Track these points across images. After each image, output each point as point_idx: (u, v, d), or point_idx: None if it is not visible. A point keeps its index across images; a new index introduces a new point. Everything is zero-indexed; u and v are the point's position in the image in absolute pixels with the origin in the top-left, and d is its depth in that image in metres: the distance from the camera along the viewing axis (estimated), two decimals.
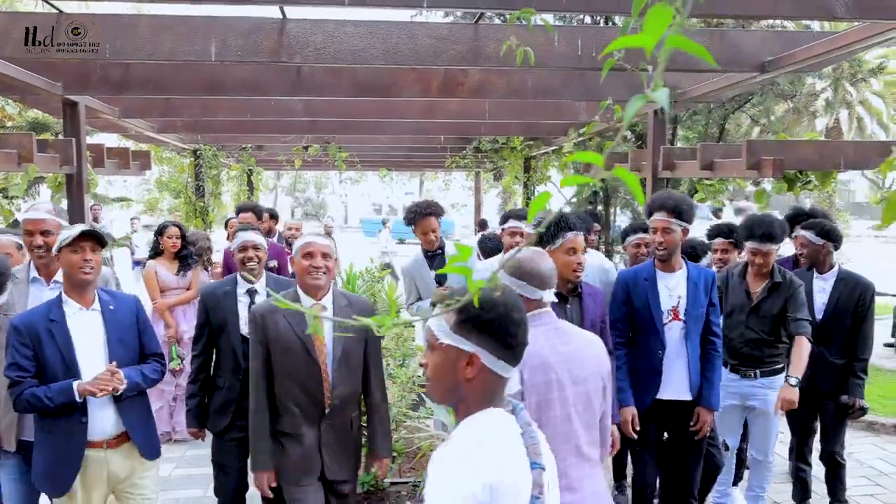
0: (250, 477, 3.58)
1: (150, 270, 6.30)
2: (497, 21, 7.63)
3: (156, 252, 6.40)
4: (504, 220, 5.16)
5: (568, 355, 2.50)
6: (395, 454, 4.85)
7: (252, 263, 3.96)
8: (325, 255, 3.29)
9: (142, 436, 3.34)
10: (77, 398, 3.09)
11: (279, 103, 6.84)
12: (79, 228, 3.15)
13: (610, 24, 7.49)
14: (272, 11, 4.17)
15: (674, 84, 5.87)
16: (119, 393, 3.17)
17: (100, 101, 6.12)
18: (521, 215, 4.98)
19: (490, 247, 5.61)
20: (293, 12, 4.21)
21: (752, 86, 6.64)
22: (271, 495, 3.30)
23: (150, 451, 3.39)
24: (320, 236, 3.37)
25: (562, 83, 5.79)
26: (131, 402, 3.30)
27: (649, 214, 3.88)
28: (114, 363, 3.17)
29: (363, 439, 3.65)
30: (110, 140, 9.64)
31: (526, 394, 2.41)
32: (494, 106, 7.03)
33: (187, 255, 6.41)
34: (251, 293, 3.93)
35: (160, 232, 6.38)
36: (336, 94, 5.64)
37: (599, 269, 4.39)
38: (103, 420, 3.23)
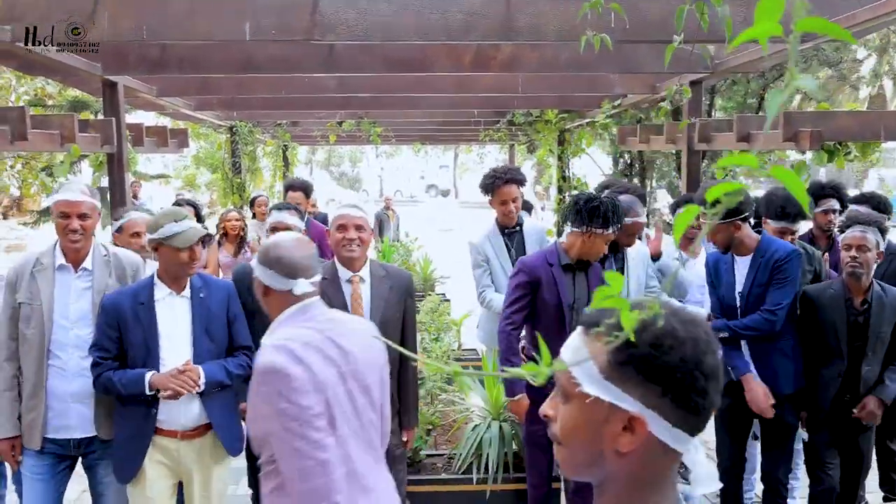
0: None
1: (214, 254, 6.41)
2: None
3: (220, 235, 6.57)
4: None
5: (347, 348, 2.29)
6: (430, 426, 4.93)
7: None
8: (358, 227, 3.33)
9: (226, 430, 3.27)
10: (147, 391, 3.04)
11: (312, 80, 6.87)
12: (190, 232, 3.12)
13: None
14: None
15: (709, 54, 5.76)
16: (200, 391, 3.11)
17: (138, 80, 6.21)
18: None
19: None
20: None
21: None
22: None
23: (233, 446, 3.31)
24: (354, 207, 3.40)
25: (595, 56, 5.71)
26: (217, 396, 3.23)
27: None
28: (188, 361, 3.11)
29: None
30: (148, 118, 9.79)
31: (316, 391, 2.18)
32: (527, 79, 6.97)
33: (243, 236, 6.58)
34: None
35: (222, 218, 6.65)
36: (368, 70, 5.66)
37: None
38: (186, 412, 3.17)
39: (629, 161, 9.66)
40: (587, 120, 9.68)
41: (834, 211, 4.87)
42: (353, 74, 6.38)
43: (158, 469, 3.17)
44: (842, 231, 3.80)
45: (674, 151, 8.76)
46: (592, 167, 11.29)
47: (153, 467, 3.15)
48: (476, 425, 4.67)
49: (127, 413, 3.16)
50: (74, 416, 3.27)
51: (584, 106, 8.87)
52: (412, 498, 4.18)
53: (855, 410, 3.70)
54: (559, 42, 5.06)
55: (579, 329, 1.20)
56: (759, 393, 3.72)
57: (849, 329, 3.70)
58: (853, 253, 3.62)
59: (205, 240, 3.30)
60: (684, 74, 6.21)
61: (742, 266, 3.89)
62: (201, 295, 3.25)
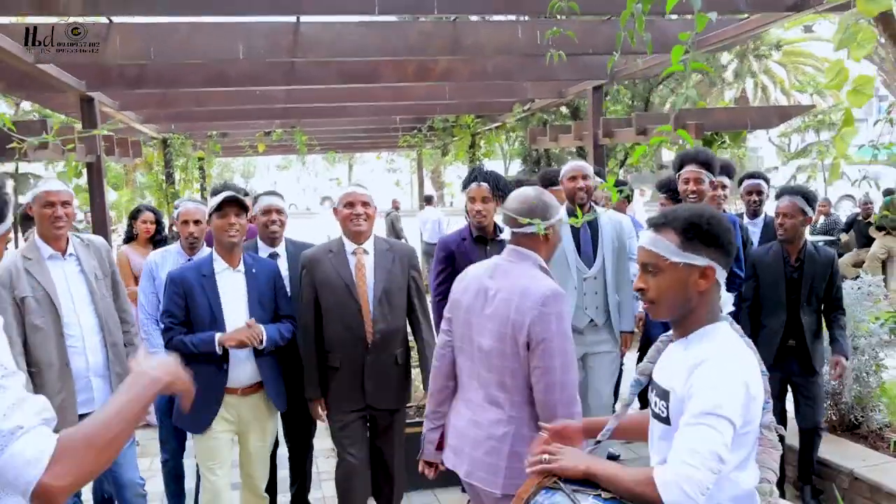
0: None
1: (122, 257, 5.68)
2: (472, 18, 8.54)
3: (129, 237, 5.93)
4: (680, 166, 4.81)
5: (492, 292, 2.67)
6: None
7: (275, 227, 4.08)
8: (364, 204, 3.62)
9: (274, 388, 3.67)
10: (217, 349, 3.43)
11: (265, 92, 7.53)
12: (223, 195, 3.49)
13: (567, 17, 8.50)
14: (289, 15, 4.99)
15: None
16: (261, 347, 3.51)
17: (105, 95, 6.75)
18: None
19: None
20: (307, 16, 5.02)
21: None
22: (325, 420, 3.74)
23: (280, 402, 3.72)
24: (360, 186, 3.73)
25: (519, 67, 6.76)
26: (267, 358, 3.63)
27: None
28: (252, 319, 3.51)
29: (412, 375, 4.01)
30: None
31: (451, 303, 2.84)
32: (454, 88, 7.91)
33: (160, 240, 5.87)
34: (273, 257, 4.06)
35: (134, 216, 5.92)
36: (323, 82, 6.45)
37: None
38: (243, 370, 3.56)
39: (536, 159, 10.81)
40: (498, 123, 10.79)
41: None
42: (306, 87, 7.13)
43: (221, 422, 3.58)
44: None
45: (574, 149, 9.94)
46: (502, 168, 12.41)
47: (217, 420, 3.56)
48: None
49: (199, 371, 3.47)
50: (96, 389, 3.64)
51: (498, 110, 9.95)
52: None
53: (831, 373, 4.23)
54: (489, 56, 6.05)
55: (651, 229, 1.95)
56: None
57: (786, 283, 4.25)
58: (780, 220, 4.18)
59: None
60: (588, 80, 7.35)
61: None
62: (253, 270, 3.66)
